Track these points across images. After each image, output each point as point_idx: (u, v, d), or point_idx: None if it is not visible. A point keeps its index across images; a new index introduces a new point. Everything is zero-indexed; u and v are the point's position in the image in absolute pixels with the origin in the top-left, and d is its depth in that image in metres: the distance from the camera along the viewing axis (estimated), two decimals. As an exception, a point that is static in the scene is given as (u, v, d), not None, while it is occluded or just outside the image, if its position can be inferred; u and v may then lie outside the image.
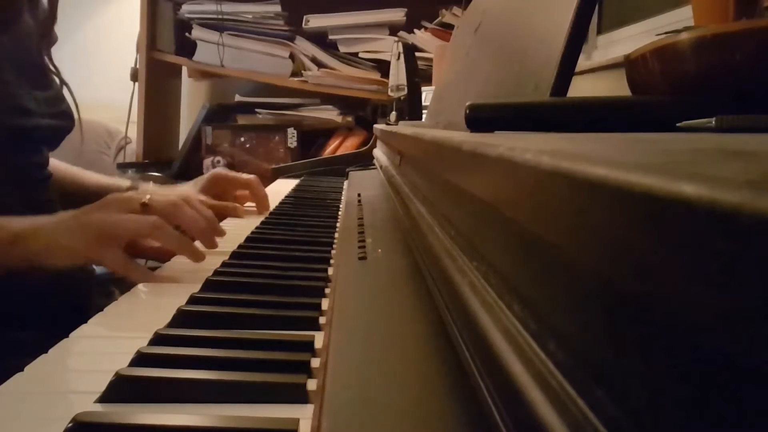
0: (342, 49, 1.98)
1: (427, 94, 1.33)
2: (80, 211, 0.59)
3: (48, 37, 0.80)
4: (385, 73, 1.78)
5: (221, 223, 0.89)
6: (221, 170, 1.00)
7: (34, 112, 0.73)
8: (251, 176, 0.99)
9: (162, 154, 2.13)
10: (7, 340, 0.63)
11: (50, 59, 0.80)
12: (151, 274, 0.59)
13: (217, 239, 0.67)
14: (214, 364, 0.35)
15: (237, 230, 0.79)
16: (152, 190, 0.91)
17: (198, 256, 0.62)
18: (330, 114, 2.02)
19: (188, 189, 0.92)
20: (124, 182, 0.93)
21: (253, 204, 1.00)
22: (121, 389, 0.32)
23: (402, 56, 1.34)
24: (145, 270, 0.60)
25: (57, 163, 0.88)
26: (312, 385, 0.33)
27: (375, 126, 1.43)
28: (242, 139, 2.03)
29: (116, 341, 0.42)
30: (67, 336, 0.42)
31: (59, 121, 0.78)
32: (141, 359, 0.35)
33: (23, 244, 0.58)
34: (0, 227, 0.59)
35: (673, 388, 0.12)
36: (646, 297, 0.12)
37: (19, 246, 0.58)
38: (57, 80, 0.80)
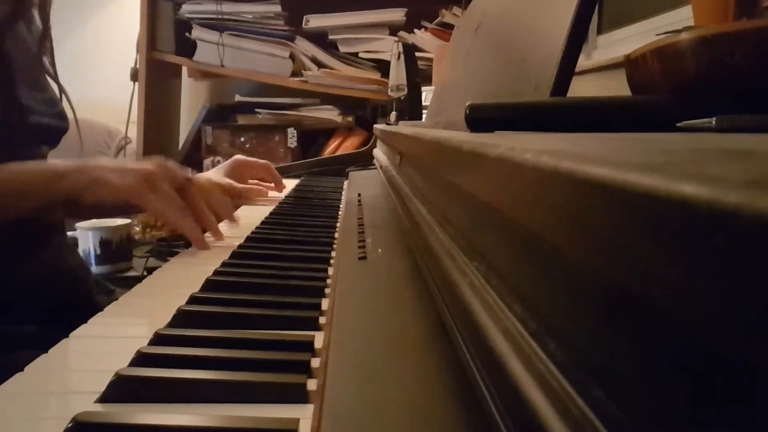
0: (342, 49, 1.98)
1: (427, 94, 1.33)
2: (125, 161, 0.65)
3: (44, 46, 0.81)
4: (385, 73, 1.78)
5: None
6: (241, 157, 1.13)
7: (34, 111, 0.74)
8: (266, 161, 1.18)
9: (162, 154, 2.12)
10: (7, 335, 0.63)
11: (53, 65, 0.82)
12: (187, 215, 0.68)
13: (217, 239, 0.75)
14: (214, 364, 0.35)
15: (237, 230, 0.79)
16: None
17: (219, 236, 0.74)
18: (330, 114, 2.02)
19: (213, 174, 1.05)
20: None
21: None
22: (121, 389, 0.32)
23: (402, 56, 1.34)
24: (185, 211, 0.67)
25: None
26: (312, 385, 0.33)
27: (375, 126, 1.43)
28: (242, 139, 2.03)
29: (116, 341, 0.42)
30: (66, 334, 0.42)
31: (58, 122, 0.80)
32: (141, 359, 0.35)
33: (68, 180, 0.64)
34: (45, 165, 0.65)
35: (673, 387, 0.12)
36: (645, 297, 0.12)
37: (65, 181, 0.63)
38: (54, 84, 0.82)
